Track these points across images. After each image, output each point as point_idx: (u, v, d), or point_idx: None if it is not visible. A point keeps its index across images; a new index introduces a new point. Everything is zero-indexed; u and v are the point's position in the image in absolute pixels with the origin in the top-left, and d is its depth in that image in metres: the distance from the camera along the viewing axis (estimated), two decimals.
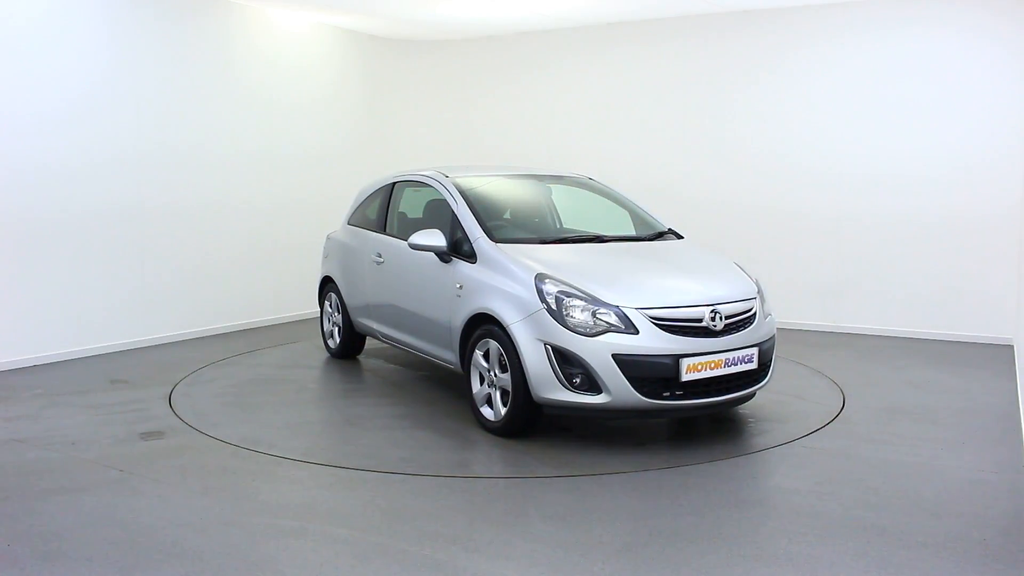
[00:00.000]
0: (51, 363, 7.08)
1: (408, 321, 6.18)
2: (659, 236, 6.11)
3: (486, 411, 5.23)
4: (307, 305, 9.56)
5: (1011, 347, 7.87)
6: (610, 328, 4.77)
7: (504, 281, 5.15)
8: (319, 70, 9.72)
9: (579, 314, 4.81)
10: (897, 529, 3.81)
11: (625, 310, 4.81)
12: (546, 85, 10.09)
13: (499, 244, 5.44)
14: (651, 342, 4.75)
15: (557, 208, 6.61)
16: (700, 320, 4.88)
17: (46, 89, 7.00)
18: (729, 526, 3.84)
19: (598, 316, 4.80)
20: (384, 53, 10.57)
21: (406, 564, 3.46)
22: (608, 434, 5.24)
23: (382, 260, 6.53)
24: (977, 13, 7.96)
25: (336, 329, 7.40)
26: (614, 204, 6.49)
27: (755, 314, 5.20)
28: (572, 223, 6.46)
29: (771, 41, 8.87)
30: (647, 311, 4.81)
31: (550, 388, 4.83)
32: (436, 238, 5.64)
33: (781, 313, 8.93)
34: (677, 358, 4.74)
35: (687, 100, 9.33)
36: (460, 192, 5.91)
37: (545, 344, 4.82)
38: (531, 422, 5.10)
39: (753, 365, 5.07)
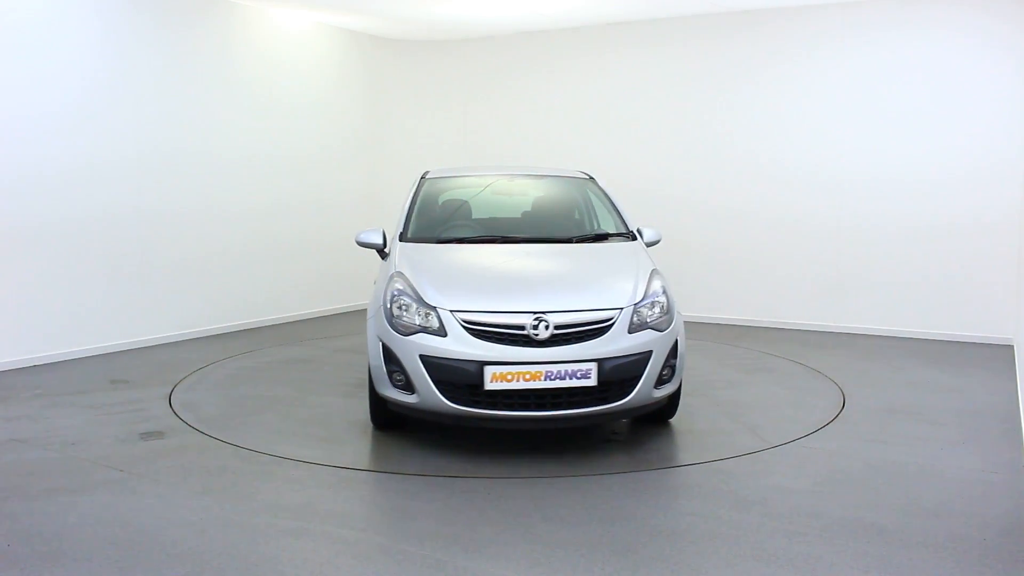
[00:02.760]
0: (51, 363, 7.08)
1: None
2: (602, 238, 5.70)
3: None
4: (307, 305, 9.57)
5: (1011, 347, 7.87)
6: (422, 329, 4.70)
7: (381, 278, 5.32)
8: (319, 70, 9.72)
9: (402, 312, 4.82)
10: (897, 529, 3.80)
11: (440, 312, 4.69)
12: (546, 85, 10.09)
13: (405, 243, 5.50)
14: (456, 346, 4.59)
15: (520, 208, 6.34)
16: (523, 328, 4.58)
17: (46, 90, 7.00)
18: (729, 526, 3.84)
19: (416, 316, 4.76)
20: (384, 53, 10.57)
21: (406, 564, 3.46)
22: (608, 435, 5.24)
23: None
24: (978, 16, 7.97)
25: None
26: (586, 203, 6.19)
27: (607, 327, 4.67)
28: (526, 223, 6.14)
29: (771, 41, 8.87)
30: (461, 314, 4.65)
31: (382, 384, 4.92)
32: (374, 236, 5.70)
33: (781, 313, 8.98)
34: (481, 365, 4.51)
35: (687, 100, 9.33)
36: (416, 191, 6.04)
37: (379, 340, 4.89)
38: (386, 416, 5.13)
39: (590, 382, 4.54)
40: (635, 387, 4.70)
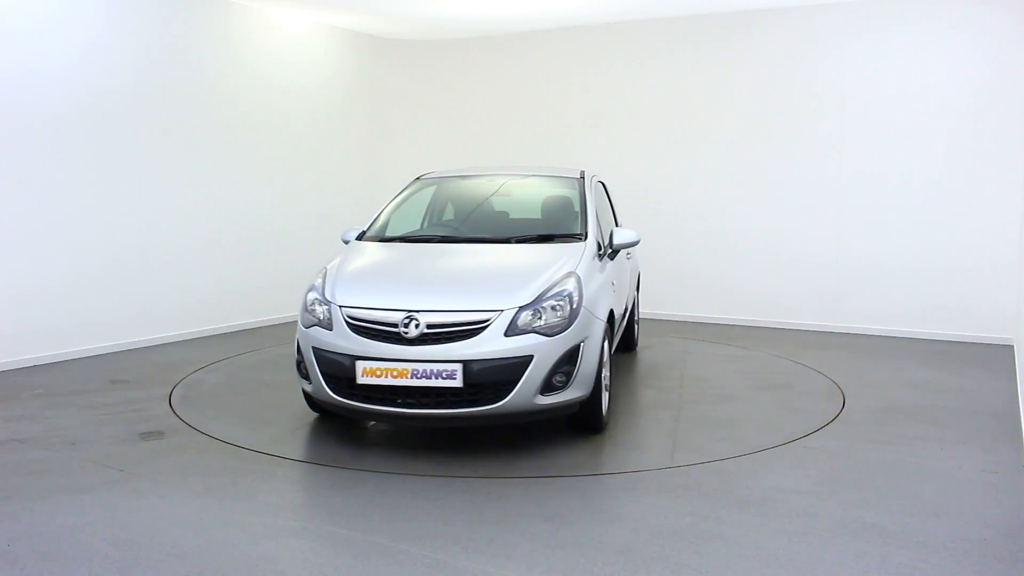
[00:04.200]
0: (51, 363, 7.08)
1: None
2: (547, 239, 5.58)
3: None
4: None
5: (1011, 347, 7.87)
6: (318, 322, 4.94)
7: None
8: (319, 70, 9.72)
9: (309, 306, 5.07)
10: (897, 529, 3.80)
11: (332, 307, 4.90)
12: (546, 85, 10.09)
13: (358, 241, 5.81)
14: (337, 339, 4.77)
15: (495, 208, 6.34)
16: (395, 325, 4.65)
17: (46, 89, 7.00)
18: (729, 526, 3.84)
19: (318, 310, 4.98)
20: (384, 52, 10.57)
21: (406, 564, 3.46)
22: (608, 435, 5.24)
23: None
24: (980, 17, 7.96)
25: None
26: (563, 203, 6.08)
27: (480, 329, 4.61)
28: (484, 223, 6.15)
29: (771, 41, 8.87)
30: (347, 310, 4.83)
31: (299, 376, 5.16)
32: (353, 234, 5.97)
33: (781, 313, 8.98)
34: (353, 359, 4.66)
35: (687, 100, 9.33)
36: (400, 192, 6.37)
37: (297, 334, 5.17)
38: (311, 402, 5.29)
39: (455, 383, 4.52)
40: (510, 392, 4.58)
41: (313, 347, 4.86)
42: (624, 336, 7.48)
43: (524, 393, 4.61)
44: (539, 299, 4.76)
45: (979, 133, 8.02)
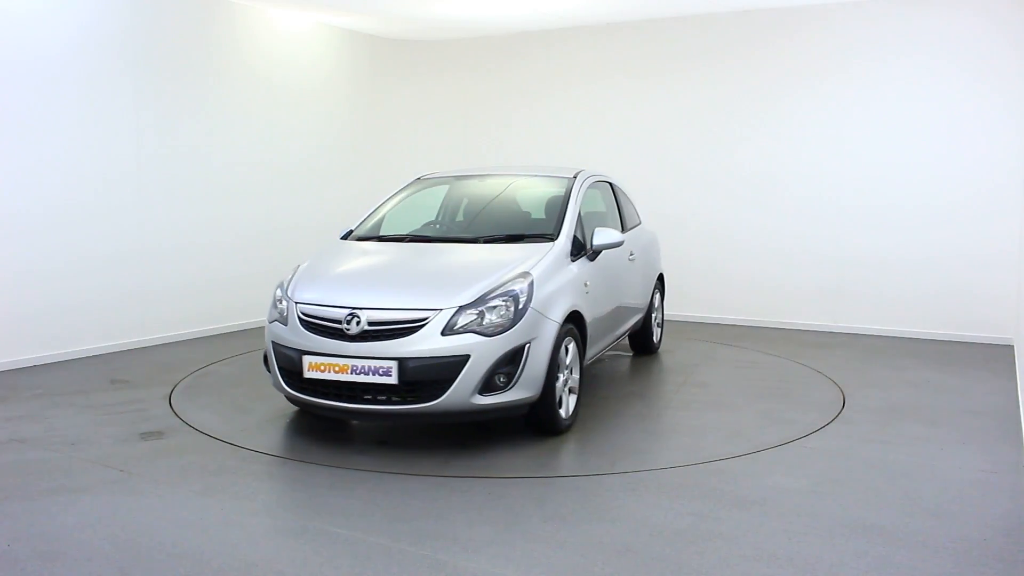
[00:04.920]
0: (51, 363, 7.08)
1: None
2: (515, 239, 5.57)
3: None
4: None
5: (1011, 347, 7.87)
6: (279, 318, 5.14)
7: None
8: (319, 69, 9.72)
9: (275, 302, 5.28)
10: (897, 529, 3.81)
11: (289, 303, 5.09)
12: (546, 85, 10.09)
13: (339, 240, 6.00)
14: (289, 334, 4.97)
15: (480, 208, 6.33)
16: (339, 322, 4.78)
17: (46, 89, 7.00)
18: (729, 526, 3.84)
19: (280, 306, 5.20)
20: (384, 53, 10.57)
21: (406, 564, 3.46)
22: (607, 435, 5.24)
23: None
24: (980, 22, 7.96)
25: None
26: (551, 203, 6.02)
27: (417, 328, 4.66)
28: (460, 224, 6.22)
29: (771, 41, 8.87)
30: (301, 306, 5.00)
31: (266, 369, 5.31)
32: (343, 233, 6.21)
33: (781, 313, 8.98)
34: (301, 354, 4.84)
35: (687, 100, 9.33)
36: (394, 194, 6.51)
37: None
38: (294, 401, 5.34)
39: (391, 380, 4.60)
40: (446, 391, 4.61)
41: (272, 341, 5.10)
42: (640, 339, 7.45)
43: (460, 392, 4.63)
44: (482, 299, 4.77)
45: (980, 133, 8.02)
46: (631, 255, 6.68)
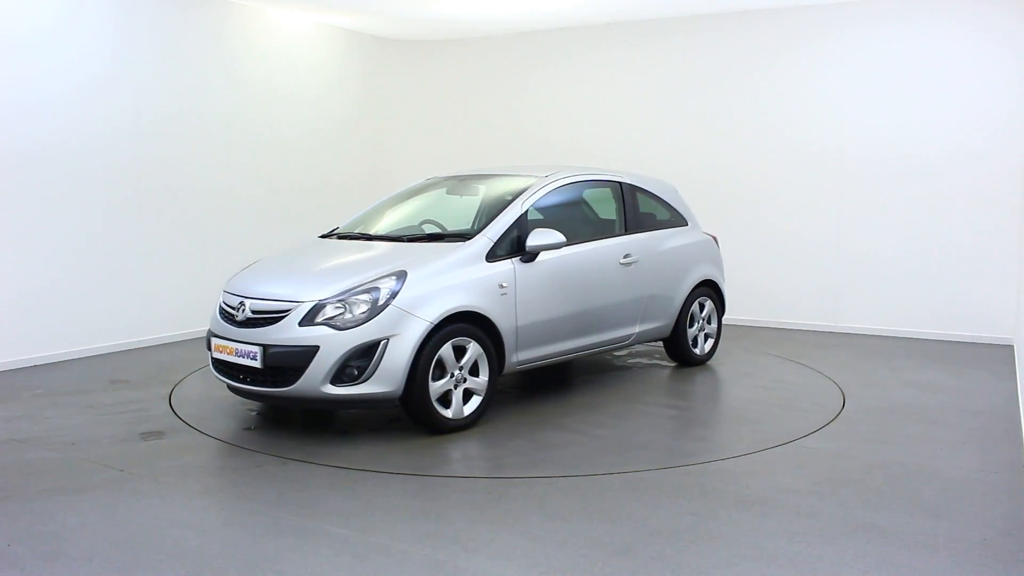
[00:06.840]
0: (51, 363, 7.09)
1: None
2: (436, 238, 5.79)
3: None
4: None
5: (1011, 347, 7.87)
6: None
7: None
8: (319, 70, 9.71)
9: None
10: (897, 529, 3.81)
11: (222, 294, 5.56)
12: (546, 85, 10.09)
13: (319, 237, 6.30)
14: (212, 320, 5.53)
15: (459, 208, 6.43)
16: (234, 308, 5.28)
17: (46, 89, 7.00)
18: (729, 526, 3.84)
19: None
20: (384, 53, 10.57)
21: (406, 564, 3.46)
22: (607, 434, 5.24)
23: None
24: (979, 7, 7.96)
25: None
26: (491, 204, 6.03)
27: (280, 318, 4.99)
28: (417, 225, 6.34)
29: (771, 40, 8.87)
30: (223, 295, 5.51)
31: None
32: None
33: (781, 313, 8.98)
34: (211, 335, 5.43)
35: (686, 99, 9.33)
36: (392, 195, 6.79)
37: None
38: None
39: (256, 364, 5.02)
40: (299, 378, 4.92)
41: (209, 328, 5.57)
42: (672, 347, 7.05)
43: (311, 380, 4.91)
44: (344, 294, 5.02)
45: (979, 132, 8.02)
46: (626, 257, 6.40)
